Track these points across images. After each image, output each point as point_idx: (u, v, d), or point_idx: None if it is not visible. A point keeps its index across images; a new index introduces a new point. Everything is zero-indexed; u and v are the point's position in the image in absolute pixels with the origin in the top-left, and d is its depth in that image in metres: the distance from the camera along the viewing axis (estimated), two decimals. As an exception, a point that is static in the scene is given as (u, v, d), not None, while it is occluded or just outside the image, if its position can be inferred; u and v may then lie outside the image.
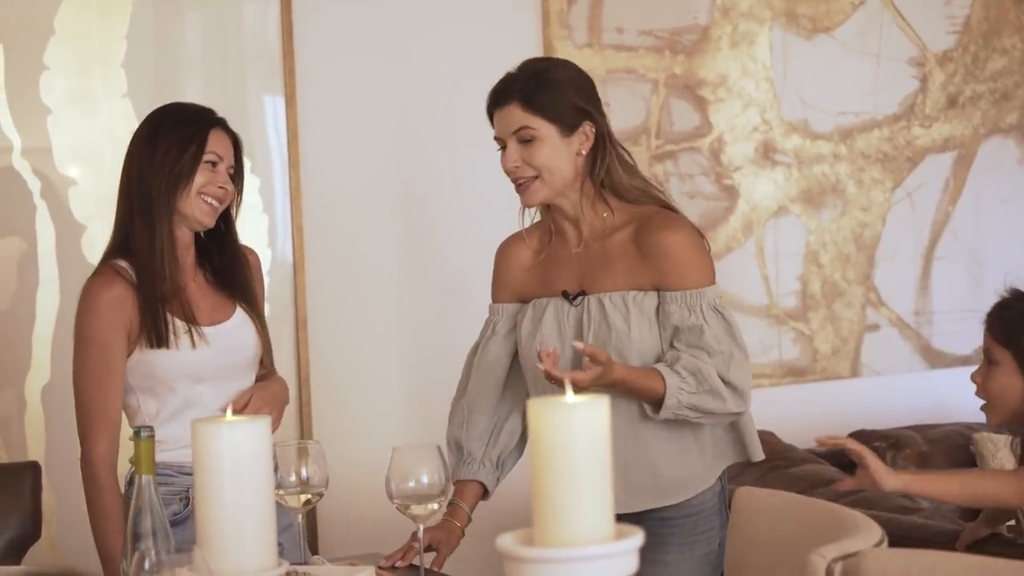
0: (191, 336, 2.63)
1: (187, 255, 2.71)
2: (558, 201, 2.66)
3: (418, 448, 2.37)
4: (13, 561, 2.97)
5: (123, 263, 2.65)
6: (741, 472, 3.69)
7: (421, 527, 2.36)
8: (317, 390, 3.78)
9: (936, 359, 4.58)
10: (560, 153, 2.60)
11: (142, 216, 2.65)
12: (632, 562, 1.40)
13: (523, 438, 2.79)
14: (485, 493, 2.75)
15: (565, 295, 2.65)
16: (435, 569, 2.58)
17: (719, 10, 4.32)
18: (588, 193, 2.64)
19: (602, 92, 2.77)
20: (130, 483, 2.61)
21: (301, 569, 2.30)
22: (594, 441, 1.40)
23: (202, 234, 2.74)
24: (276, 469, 2.31)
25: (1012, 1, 4.71)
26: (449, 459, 2.65)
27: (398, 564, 2.54)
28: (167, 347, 2.61)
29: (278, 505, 2.11)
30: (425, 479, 2.34)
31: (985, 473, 2.61)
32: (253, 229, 3.64)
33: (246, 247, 2.84)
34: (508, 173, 2.65)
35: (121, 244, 2.68)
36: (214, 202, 2.68)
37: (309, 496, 2.38)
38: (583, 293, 2.64)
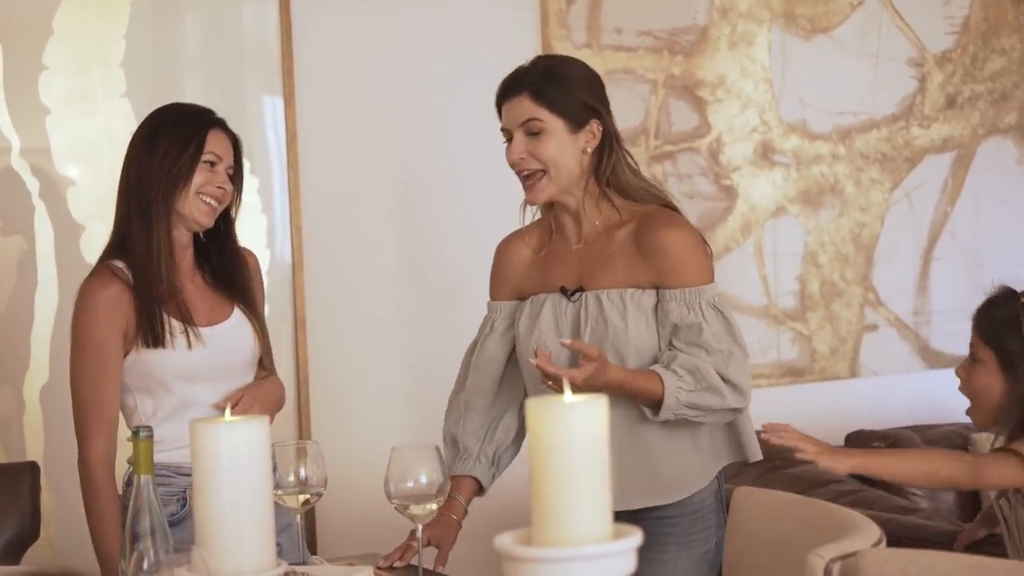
0: (187, 336, 2.63)
1: (185, 256, 2.71)
2: (562, 198, 2.67)
3: (417, 448, 2.37)
4: (12, 561, 2.98)
5: (119, 263, 2.65)
6: (740, 472, 3.69)
7: (420, 526, 2.36)
8: (316, 390, 3.78)
9: (934, 359, 4.58)
10: (567, 148, 2.61)
11: (140, 217, 2.65)
12: (630, 562, 1.40)
13: (519, 435, 2.80)
14: (480, 490, 2.75)
15: (563, 291, 2.65)
16: (440, 567, 2.58)
17: (718, 11, 4.32)
18: (592, 191, 2.65)
19: (600, 92, 2.77)
20: (128, 483, 2.62)
21: (300, 569, 2.30)
22: (593, 441, 1.40)
23: (201, 235, 2.74)
24: (275, 469, 2.31)
25: (1011, 2, 4.72)
26: (445, 454, 2.66)
27: (396, 564, 2.54)
28: (163, 347, 2.61)
29: (277, 505, 2.11)
30: (424, 479, 2.34)
31: (939, 453, 2.58)
32: (252, 229, 3.64)
33: (245, 249, 2.84)
34: (513, 165, 2.65)
35: (119, 244, 2.68)
36: (212, 202, 2.68)
37: (308, 496, 2.38)
38: (581, 289, 2.64)
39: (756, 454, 2.70)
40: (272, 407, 2.75)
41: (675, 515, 2.62)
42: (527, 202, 2.69)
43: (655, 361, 2.57)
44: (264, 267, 3.69)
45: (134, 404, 2.66)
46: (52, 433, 3.50)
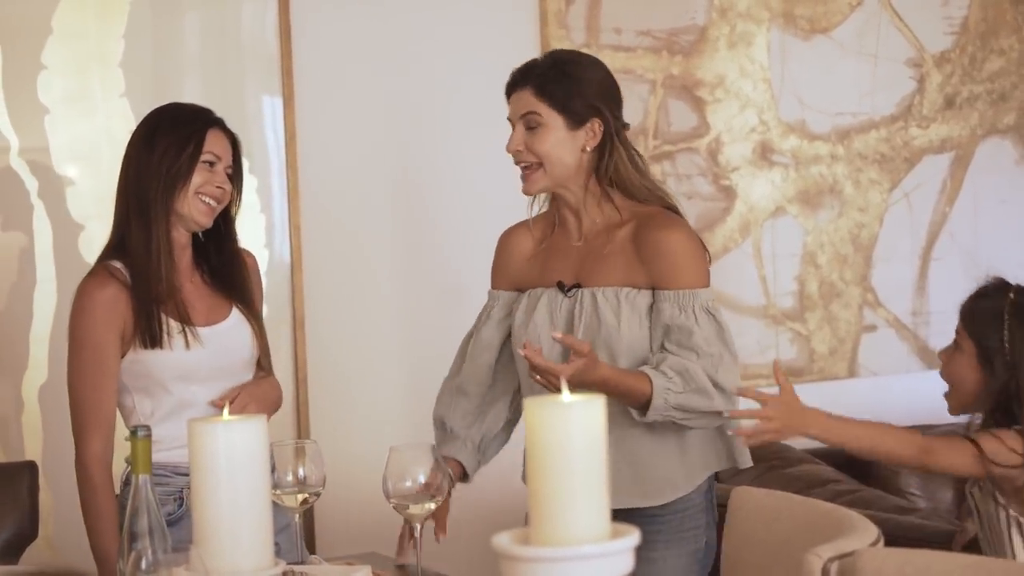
0: (185, 336, 2.63)
1: (183, 256, 2.71)
2: (560, 192, 2.68)
3: (415, 448, 2.38)
4: (10, 561, 2.98)
5: (117, 264, 2.65)
6: (738, 472, 3.69)
7: (419, 526, 2.36)
8: (314, 390, 3.78)
9: (933, 360, 4.56)
10: (564, 145, 2.62)
11: (139, 216, 2.65)
12: (628, 561, 1.40)
13: (508, 425, 2.81)
14: (464, 475, 2.74)
15: (560, 286, 2.66)
16: (441, 536, 2.58)
17: (717, 11, 4.32)
18: (592, 189, 2.66)
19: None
20: (126, 483, 2.62)
21: (298, 569, 2.30)
22: (590, 440, 1.40)
23: (200, 235, 2.74)
24: (273, 469, 2.31)
25: (1010, 2, 4.72)
26: (434, 437, 2.67)
27: (401, 559, 2.54)
28: (161, 348, 2.61)
29: (275, 505, 2.12)
30: (422, 479, 2.34)
31: (894, 433, 2.55)
32: (251, 229, 3.64)
33: (244, 250, 2.84)
34: (512, 156, 2.66)
35: (117, 244, 2.68)
36: (212, 202, 2.68)
37: (306, 496, 2.39)
38: (578, 286, 2.65)
39: (746, 461, 2.69)
40: (269, 407, 2.75)
41: (662, 514, 2.61)
42: (523, 192, 2.70)
43: (646, 362, 2.57)
44: (263, 267, 3.69)
45: (132, 404, 2.66)
46: (50, 432, 3.50)
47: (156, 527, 1.96)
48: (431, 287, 3.93)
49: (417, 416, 3.84)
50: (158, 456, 2.45)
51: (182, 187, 2.65)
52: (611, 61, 4.17)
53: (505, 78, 2.73)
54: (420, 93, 3.93)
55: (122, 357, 2.63)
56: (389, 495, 2.34)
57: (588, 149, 2.64)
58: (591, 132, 2.63)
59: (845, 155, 4.49)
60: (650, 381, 2.50)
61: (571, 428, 1.39)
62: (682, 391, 2.51)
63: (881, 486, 3.73)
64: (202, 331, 2.66)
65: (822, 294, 4.46)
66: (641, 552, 2.59)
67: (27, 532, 3.12)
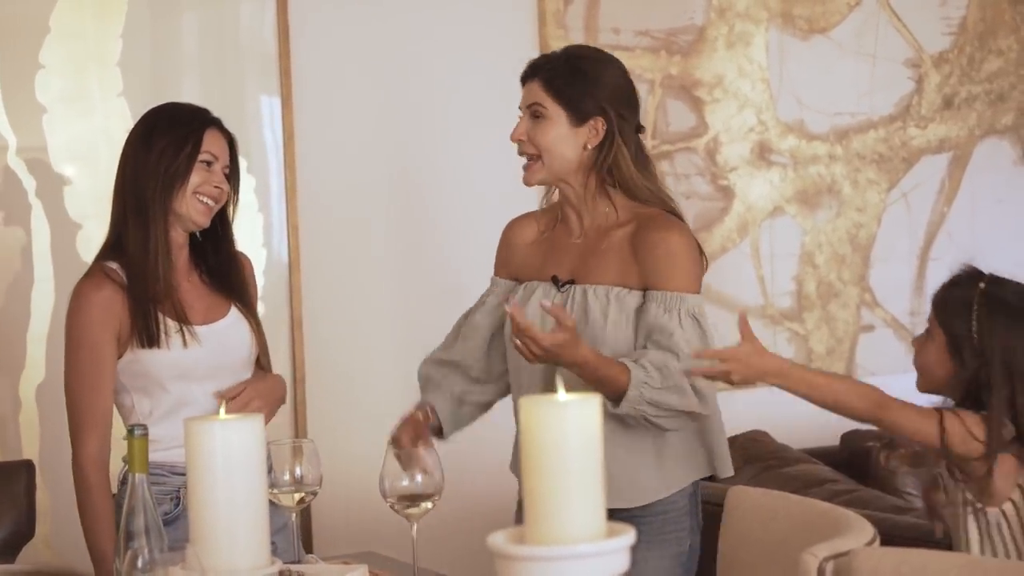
0: (183, 335, 2.63)
1: (180, 255, 2.71)
2: (561, 187, 2.70)
3: (411, 447, 2.37)
4: (7, 559, 2.98)
5: (113, 264, 2.65)
6: (735, 472, 3.69)
7: (414, 526, 2.36)
8: (312, 389, 3.78)
9: (931, 360, 4.58)
10: (565, 140, 2.64)
11: (136, 216, 2.65)
12: (623, 560, 1.40)
13: (487, 404, 2.82)
14: (440, 432, 2.74)
15: (554, 280, 2.67)
16: (425, 446, 2.58)
17: (715, 11, 4.32)
18: (592, 187, 2.67)
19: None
20: (123, 482, 2.62)
21: (294, 568, 2.30)
22: (586, 439, 1.40)
23: (198, 235, 2.74)
24: (270, 468, 2.31)
25: (1008, 2, 4.72)
26: (419, 389, 2.74)
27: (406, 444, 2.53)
28: (158, 347, 2.61)
29: (273, 505, 2.12)
30: (419, 478, 2.34)
31: (853, 388, 2.53)
32: (249, 229, 3.65)
33: (239, 253, 2.84)
34: (515, 143, 2.69)
35: (114, 244, 2.68)
36: (209, 201, 2.68)
37: (303, 495, 2.39)
38: (572, 281, 2.65)
39: (727, 470, 2.68)
40: (273, 403, 2.75)
41: (643, 515, 2.58)
42: (523, 182, 2.72)
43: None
44: (261, 266, 3.71)
45: (131, 404, 2.66)
46: (48, 431, 3.50)
47: (152, 526, 1.96)
48: (429, 287, 3.93)
49: (415, 416, 3.84)
50: (155, 455, 2.45)
51: (180, 187, 2.65)
52: (609, 61, 4.19)
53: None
54: (418, 93, 3.93)
55: (120, 357, 2.63)
56: (386, 494, 2.34)
57: (590, 147, 2.65)
58: (594, 130, 2.64)
59: (843, 155, 4.49)
60: (628, 372, 2.49)
61: (567, 427, 1.39)
62: (659, 387, 2.48)
63: (878, 486, 3.73)
64: (200, 330, 2.66)
65: (820, 294, 4.46)
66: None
67: (24, 531, 3.12)
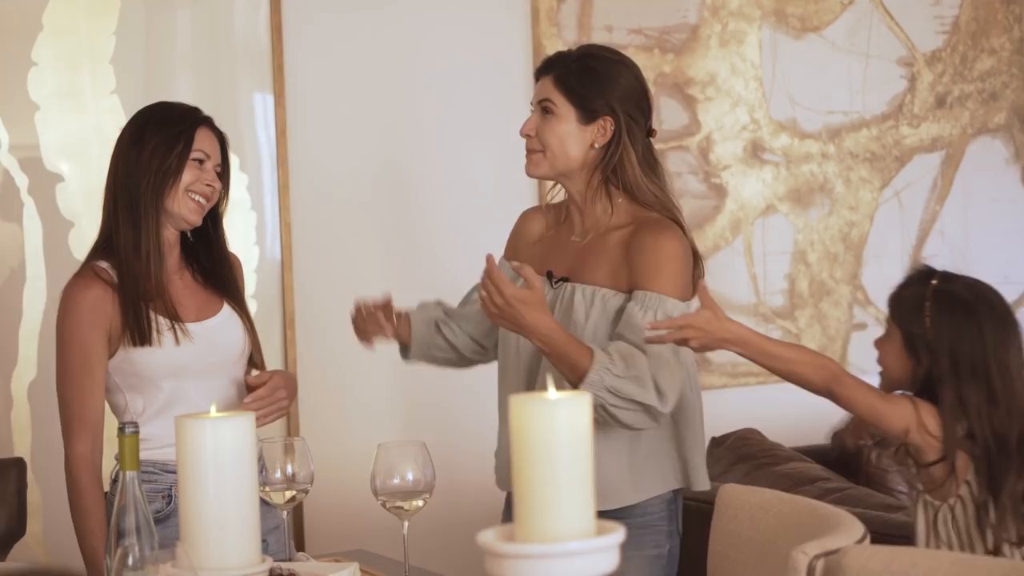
0: (175, 333, 2.63)
1: (172, 253, 2.71)
2: (564, 184, 2.72)
3: (403, 445, 2.38)
4: (-2, 557, 2.98)
5: (103, 264, 2.65)
6: (726, 470, 3.70)
7: (406, 523, 2.36)
8: (304, 387, 3.76)
9: (923, 358, 4.59)
10: (572, 137, 2.64)
11: (128, 214, 2.65)
12: (613, 558, 1.40)
13: (463, 358, 2.91)
14: (406, 350, 2.90)
15: (549, 276, 2.67)
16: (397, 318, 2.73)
17: (708, 9, 4.32)
18: (595, 187, 2.67)
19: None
20: (115, 480, 2.62)
21: (285, 566, 2.30)
22: (575, 437, 1.40)
23: (189, 236, 2.74)
24: (262, 467, 2.31)
25: (1000, 2, 4.72)
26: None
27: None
28: (150, 345, 2.61)
29: (266, 505, 2.12)
30: (410, 475, 2.34)
31: (809, 352, 2.52)
32: (241, 226, 3.65)
33: (229, 252, 2.84)
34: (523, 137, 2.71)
35: (105, 243, 2.68)
36: (201, 199, 2.68)
37: (294, 493, 2.39)
38: (567, 280, 2.65)
39: (703, 483, 2.67)
40: (292, 395, 2.76)
41: (619, 518, 2.57)
42: (525, 173, 2.73)
43: None
44: (253, 264, 3.71)
45: (124, 403, 2.66)
46: (39, 429, 3.49)
47: (143, 524, 1.96)
48: (422, 285, 3.92)
49: (405, 413, 3.85)
50: (148, 454, 2.45)
51: (172, 185, 2.65)
52: (602, 59, 4.19)
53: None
54: (411, 90, 3.93)
55: (111, 356, 2.63)
56: (377, 492, 2.34)
57: (596, 145, 2.65)
58: (601, 129, 2.64)
59: (836, 154, 4.50)
60: (591, 355, 2.47)
61: (556, 425, 1.39)
62: (621, 375, 2.45)
63: (869, 484, 3.73)
64: (192, 327, 2.66)
65: (812, 292, 4.47)
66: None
67: (15, 529, 3.12)
